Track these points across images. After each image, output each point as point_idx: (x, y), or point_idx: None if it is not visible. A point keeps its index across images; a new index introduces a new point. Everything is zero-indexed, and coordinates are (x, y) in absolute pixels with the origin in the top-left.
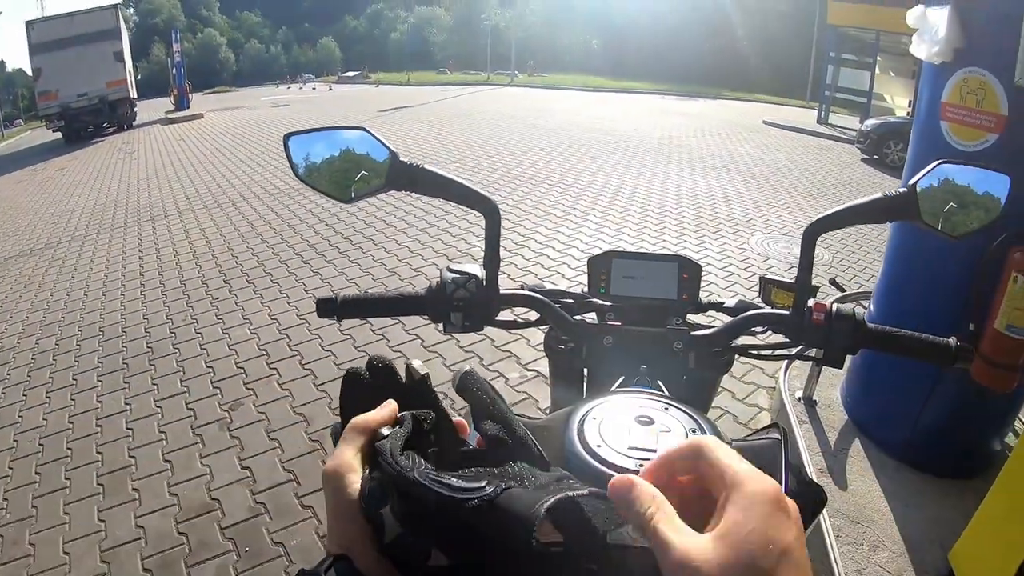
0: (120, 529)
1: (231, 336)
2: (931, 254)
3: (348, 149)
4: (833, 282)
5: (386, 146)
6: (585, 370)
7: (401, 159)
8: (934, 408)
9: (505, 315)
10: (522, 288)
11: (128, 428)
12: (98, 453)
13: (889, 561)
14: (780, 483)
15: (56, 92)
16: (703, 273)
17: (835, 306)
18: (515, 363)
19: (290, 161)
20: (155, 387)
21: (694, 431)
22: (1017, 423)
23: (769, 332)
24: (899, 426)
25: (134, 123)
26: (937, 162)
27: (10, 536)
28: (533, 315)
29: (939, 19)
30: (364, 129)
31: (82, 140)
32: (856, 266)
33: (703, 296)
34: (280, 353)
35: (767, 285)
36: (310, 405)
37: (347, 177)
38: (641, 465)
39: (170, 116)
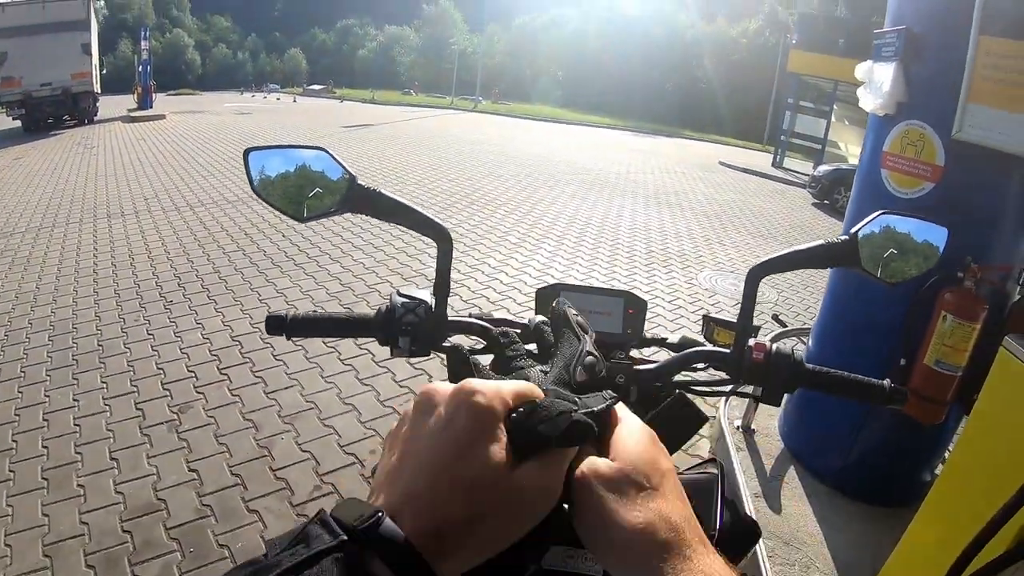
0: (64, 524)
1: (183, 340)
2: (867, 295)
3: (305, 166)
4: (775, 318)
5: (344, 168)
6: None
7: (359, 182)
8: (866, 438)
9: (454, 341)
10: (470, 316)
11: (76, 424)
12: (44, 447)
13: None
14: (715, 517)
15: (20, 79)
16: (650, 307)
17: (774, 346)
18: None
19: (248, 174)
20: (104, 385)
21: None
22: (946, 454)
23: (710, 368)
24: (832, 455)
25: (96, 118)
26: (879, 212)
27: None
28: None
29: (885, 74)
30: (324, 149)
31: (41, 131)
32: (801, 304)
33: (648, 331)
34: (232, 359)
35: (709, 323)
36: (260, 412)
37: (301, 194)
38: None
39: (132, 114)
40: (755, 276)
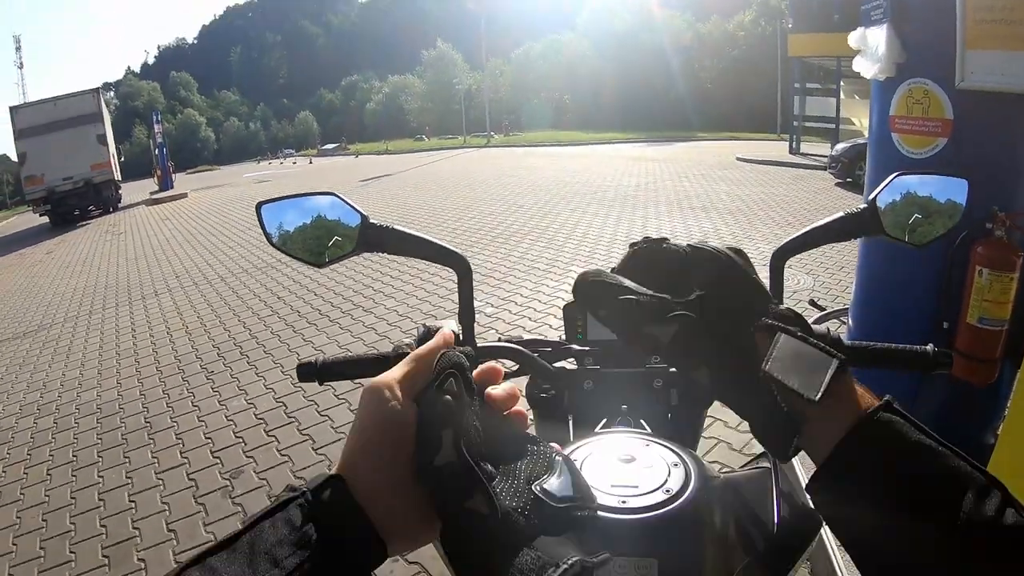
0: None
1: (228, 407)
2: (899, 263)
3: (320, 215)
4: (812, 303)
5: (356, 209)
6: (570, 416)
7: (371, 220)
8: (922, 410)
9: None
10: (499, 340)
11: (131, 501)
12: (102, 526)
13: None
14: (772, 511)
15: (42, 176)
16: None
17: None
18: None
19: (263, 229)
20: (155, 460)
21: (676, 465)
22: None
23: None
24: None
25: (120, 205)
26: (894, 175)
27: None
28: (514, 366)
29: (878, 37)
30: (334, 194)
31: (69, 223)
32: (838, 287)
33: None
34: (277, 421)
35: None
36: (310, 469)
37: (320, 243)
38: (624, 502)
39: (155, 196)
40: (778, 260)
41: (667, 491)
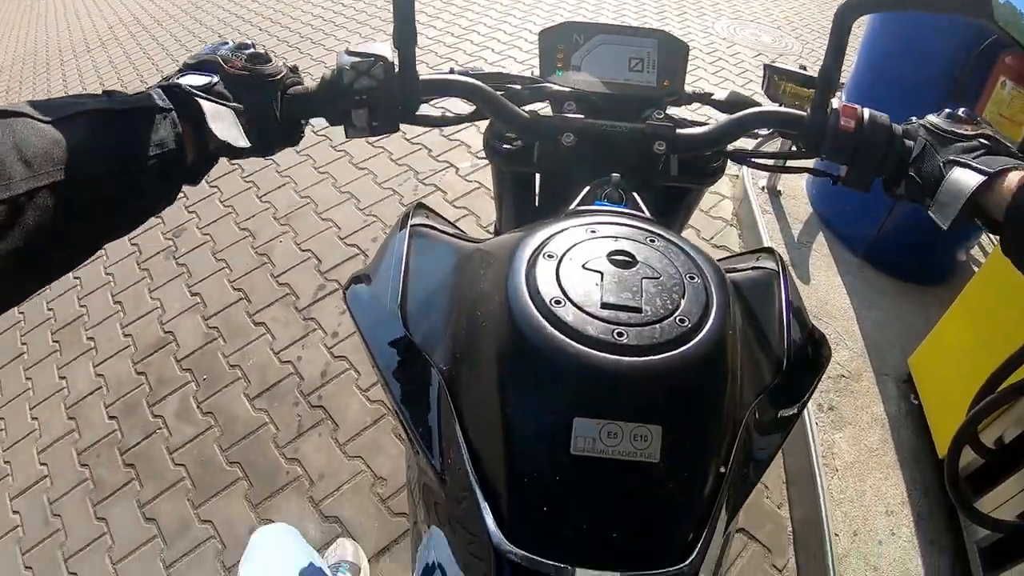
0: (81, 382)
1: None
2: (909, 57)
3: None
4: (802, 69)
5: None
6: (538, 178)
7: None
8: (902, 207)
9: (430, 109)
10: (451, 72)
11: (75, 278)
12: (49, 310)
13: (849, 360)
14: (783, 331)
15: None
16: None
17: (867, 112)
18: (466, 152)
19: None
20: None
21: (692, 277)
22: (984, 236)
23: (776, 135)
24: (865, 224)
25: None
26: None
27: None
28: (468, 108)
29: None
30: None
31: None
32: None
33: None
34: (220, 170)
35: (773, 76)
36: (255, 218)
37: None
38: (619, 335)
39: None
40: (845, 16)
41: (682, 320)
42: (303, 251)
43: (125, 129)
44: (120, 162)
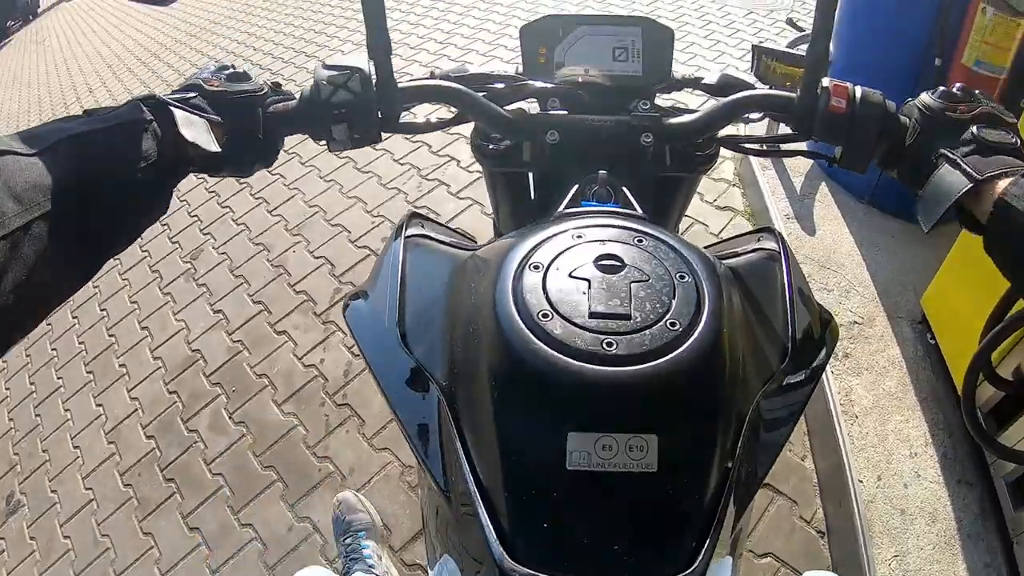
0: (117, 407)
1: (179, 188)
2: None
3: None
4: (791, 22)
5: None
6: (531, 177)
7: None
8: None
9: (414, 116)
10: (431, 76)
11: (102, 310)
12: (80, 343)
13: (860, 306)
14: (787, 316)
15: None
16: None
17: (859, 90)
18: (466, 144)
19: None
20: (118, 261)
21: (683, 277)
22: None
23: (766, 118)
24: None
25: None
26: None
27: (24, 450)
28: (450, 113)
29: None
30: None
31: None
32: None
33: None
34: (230, 188)
35: (760, 56)
36: (267, 233)
37: None
38: (609, 344)
39: None
40: None
41: (672, 324)
42: (317, 258)
43: (108, 146)
44: (107, 179)
